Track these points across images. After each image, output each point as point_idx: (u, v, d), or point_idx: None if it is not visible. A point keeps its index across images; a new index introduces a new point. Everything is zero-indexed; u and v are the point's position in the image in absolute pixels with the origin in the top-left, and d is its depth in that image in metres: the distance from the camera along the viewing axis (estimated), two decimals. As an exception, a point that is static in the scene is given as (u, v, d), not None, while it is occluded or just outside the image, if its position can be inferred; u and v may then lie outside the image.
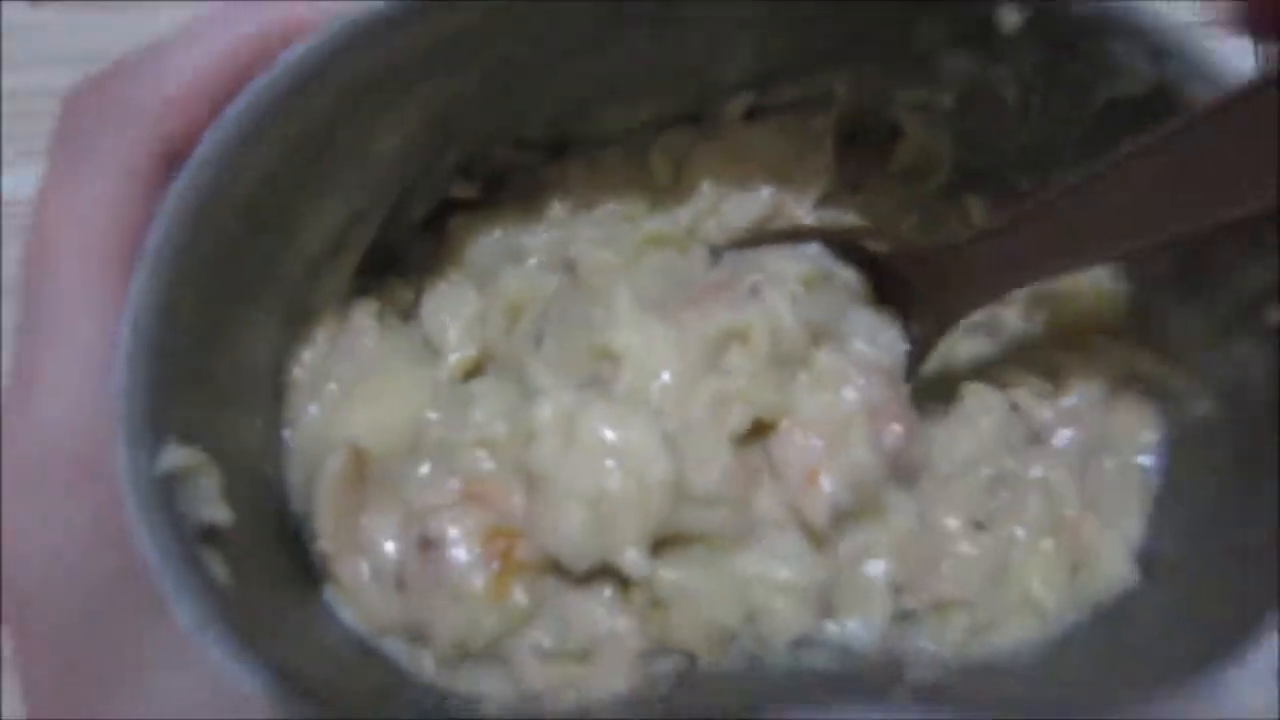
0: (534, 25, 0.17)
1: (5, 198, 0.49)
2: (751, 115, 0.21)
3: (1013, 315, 0.21)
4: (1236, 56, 0.43)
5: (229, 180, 0.16)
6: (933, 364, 0.21)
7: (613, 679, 0.17)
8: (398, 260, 0.21)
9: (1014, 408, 0.21)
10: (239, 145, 0.15)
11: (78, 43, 0.49)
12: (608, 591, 0.18)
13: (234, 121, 0.15)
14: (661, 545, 0.18)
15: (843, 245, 0.21)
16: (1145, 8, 0.16)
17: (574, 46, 0.18)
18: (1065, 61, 0.17)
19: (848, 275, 0.21)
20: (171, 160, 0.16)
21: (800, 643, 0.18)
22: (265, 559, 0.18)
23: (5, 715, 0.42)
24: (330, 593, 0.18)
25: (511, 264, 0.21)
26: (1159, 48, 0.16)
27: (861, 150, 0.22)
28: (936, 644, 0.19)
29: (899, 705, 0.16)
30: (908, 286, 0.20)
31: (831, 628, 0.18)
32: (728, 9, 0.17)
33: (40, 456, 0.15)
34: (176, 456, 0.15)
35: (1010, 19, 0.17)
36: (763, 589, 0.18)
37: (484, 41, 0.17)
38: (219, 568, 0.16)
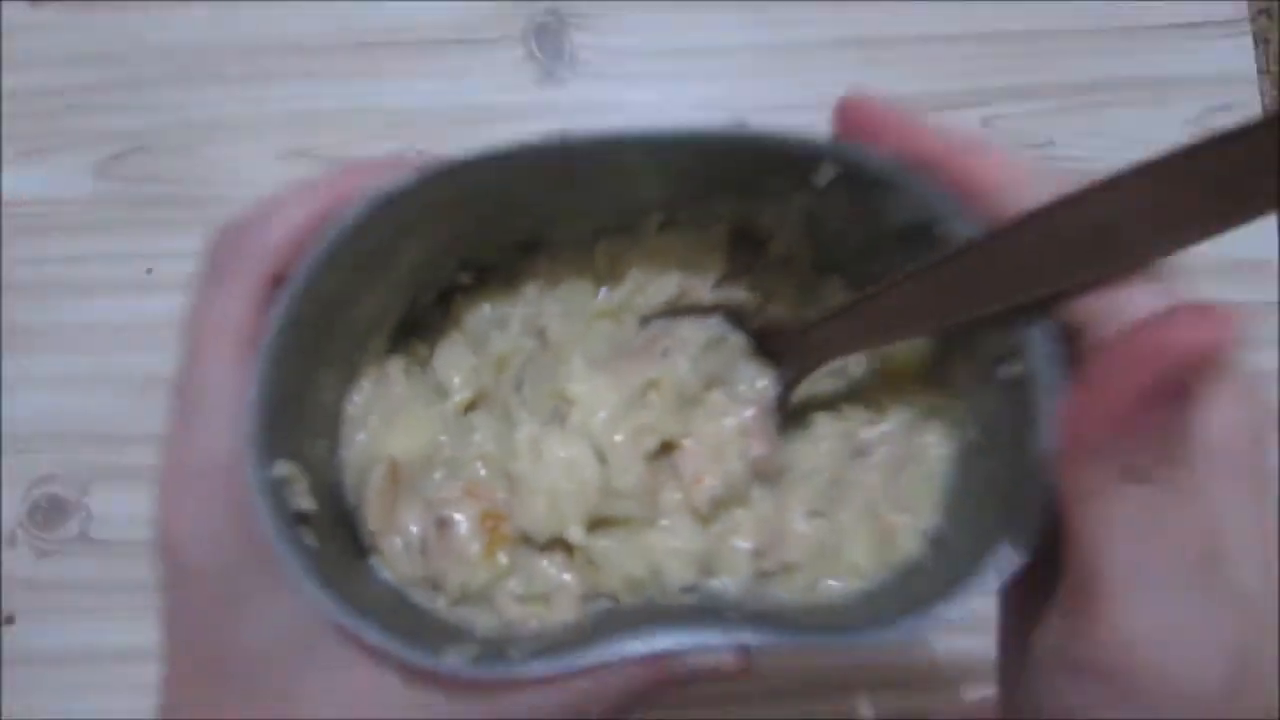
0: (511, 189, 0.25)
1: (5, 198, 0.50)
2: (664, 226, 0.29)
3: (852, 364, 0.29)
4: (1236, 55, 0.49)
5: (311, 293, 0.23)
6: (795, 399, 0.29)
7: (562, 613, 0.26)
8: (418, 327, 0.29)
9: (847, 432, 0.29)
10: (318, 271, 0.23)
11: (78, 43, 0.52)
12: (559, 556, 0.27)
13: (314, 256, 0.23)
14: (595, 525, 0.27)
15: (734, 316, 0.29)
16: (914, 174, 0.23)
17: (540, 197, 0.26)
18: (866, 201, 0.24)
19: (737, 338, 0.29)
20: (276, 282, 0.24)
21: (687, 590, 0.27)
22: (334, 535, 0.25)
23: (5, 715, 0.45)
24: (375, 560, 0.26)
25: (498, 330, 0.29)
26: (924, 198, 0.23)
27: (747, 244, 0.29)
28: (787, 594, 0.27)
29: (738, 626, 0.24)
30: (778, 347, 0.28)
31: (711, 582, 0.27)
32: (639, 170, 0.25)
33: (199, 467, 0.24)
34: (281, 469, 0.23)
35: (824, 176, 0.24)
36: (663, 553, 0.27)
37: (475, 198, 0.25)
38: (309, 539, 0.23)
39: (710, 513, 0.27)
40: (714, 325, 0.29)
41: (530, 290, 0.29)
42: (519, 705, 0.23)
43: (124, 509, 0.47)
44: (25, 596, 0.47)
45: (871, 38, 0.51)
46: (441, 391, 0.28)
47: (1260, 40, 0.52)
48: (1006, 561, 0.22)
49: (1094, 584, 0.18)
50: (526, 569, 0.27)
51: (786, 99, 0.51)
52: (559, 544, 0.27)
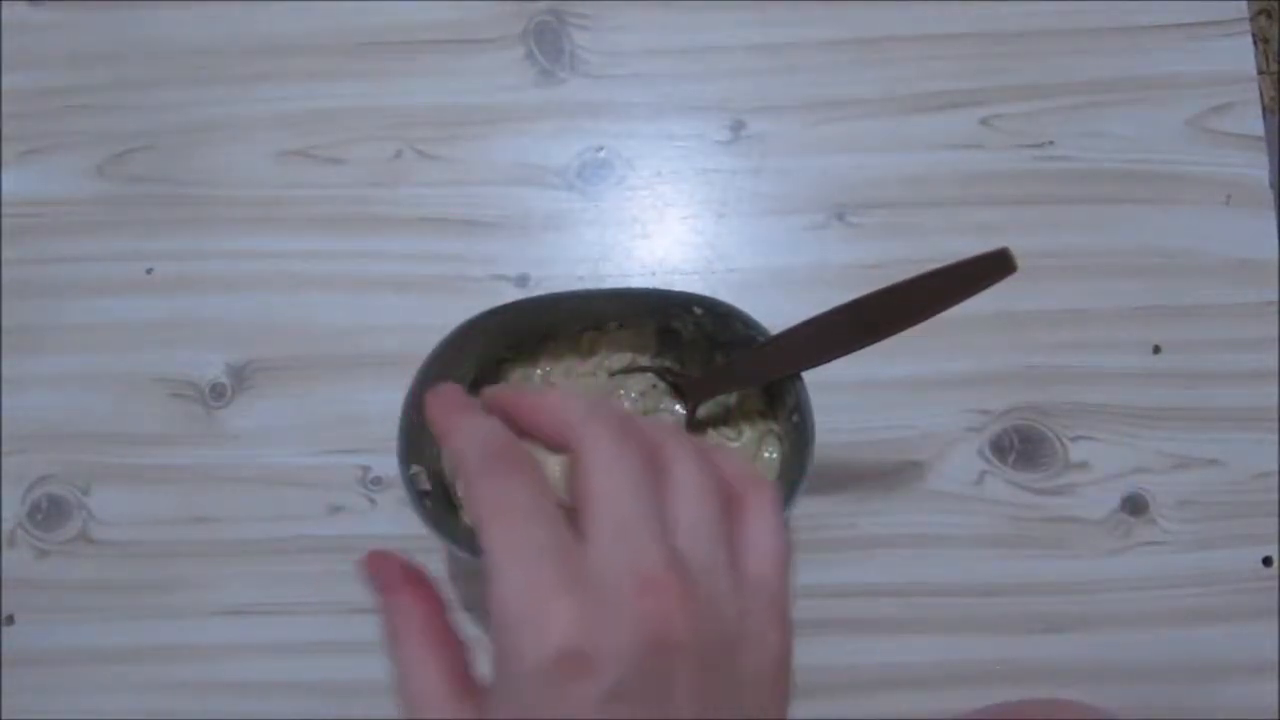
0: (530, 314, 0.42)
1: (5, 198, 0.50)
2: (620, 327, 0.45)
3: (731, 399, 0.44)
4: (1236, 55, 0.50)
5: (427, 373, 0.40)
6: (696, 420, 0.44)
7: None
8: (483, 381, 0.44)
9: (722, 442, 0.43)
10: (430, 365, 0.40)
11: (78, 43, 0.52)
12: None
13: (427, 360, 0.40)
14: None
15: (662, 374, 0.44)
16: (739, 310, 0.40)
17: (548, 316, 0.44)
18: (722, 321, 0.41)
19: (664, 386, 0.44)
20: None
21: None
22: (441, 501, 0.42)
23: (5, 715, 0.45)
24: (461, 514, 0.42)
25: (527, 383, 0.44)
26: (746, 322, 0.40)
27: (670, 335, 0.45)
28: None
29: None
30: (686, 390, 0.44)
31: None
32: (604, 303, 0.43)
33: None
34: (416, 469, 0.40)
35: (698, 309, 0.41)
36: None
37: (511, 320, 0.41)
38: (429, 504, 0.40)
39: None
40: (650, 379, 0.45)
41: (545, 360, 0.45)
42: None
43: (124, 509, 0.47)
44: (25, 596, 0.47)
45: (871, 38, 0.51)
46: None
47: (1260, 40, 0.52)
48: (791, 499, 0.39)
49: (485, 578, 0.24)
50: None
51: (785, 99, 0.51)
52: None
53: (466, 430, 0.26)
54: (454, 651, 0.26)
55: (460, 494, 0.44)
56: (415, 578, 0.28)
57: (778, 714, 0.24)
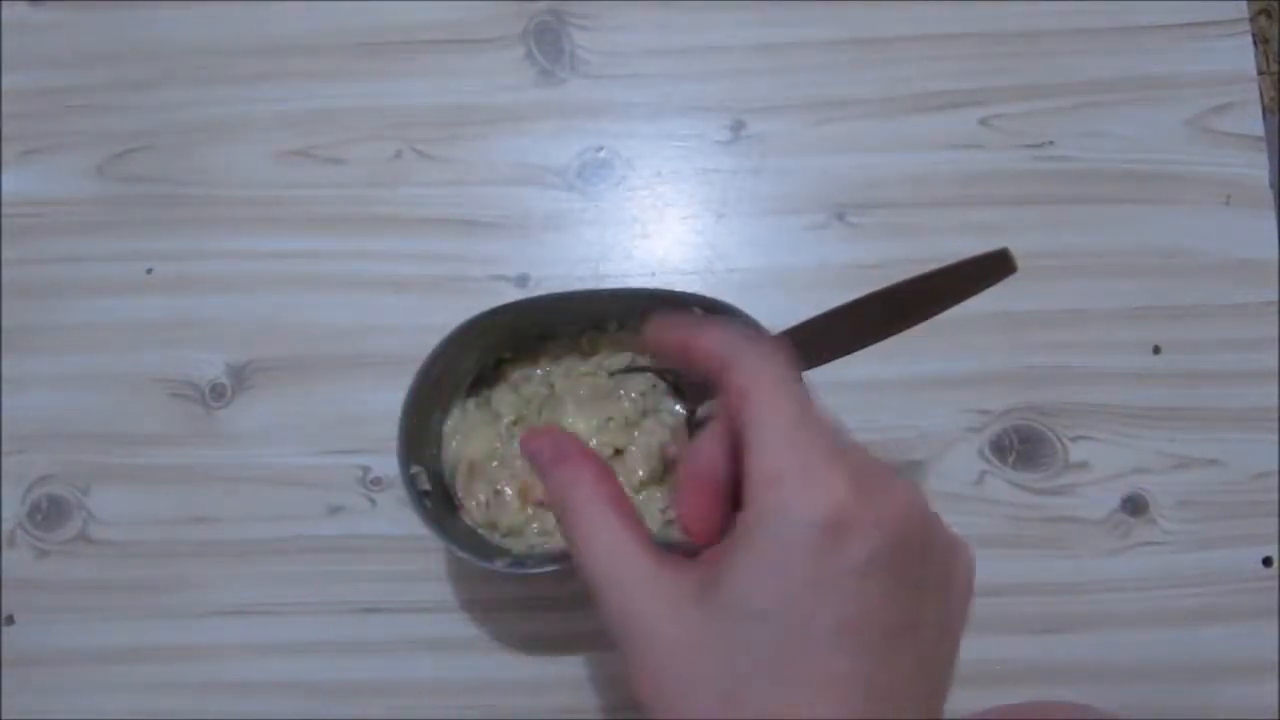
0: (531, 315, 0.43)
1: (5, 198, 0.50)
2: (619, 327, 0.45)
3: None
4: (1236, 55, 0.51)
5: (426, 374, 0.41)
6: (695, 420, 0.43)
7: (558, 543, 0.41)
8: (483, 381, 0.45)
9: None
10: (428, 365, 0.41)
11: (78, 43, 0.52)
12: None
13: (426, 359, 0.41)
14: None
15: (662, 374, 0.44)
16: (737, 309, 0.41)
17: (548, 316, 0.44)
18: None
19: (664, 386, 0.44)
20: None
21: None
22: (441, 501, 0.42)
23: (5, 715, 0.45)
24: (462, 513, 0.43)
25: (526, 383, 0.45)
26: (747, 321, 0.41)
27: None
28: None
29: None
30: (686, 389, 0.43)
31: None
32: (604, 303, 0.44)
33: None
34: (416, 470, 0.41)
35: (696, 308, 0.41)
36: None
37: (513, 320, 0.42)
38: (429, 503, 0.41)
39: (640, 488, 0.42)
40: (650, 379, 0.44)
41: (545, 361, 0.46)
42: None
43: (124, 509, 0.47)
44: (25, 596, 0.47)
45: (870, 38, 0.51)
46: (497, 417, 0.44)
47: (1260, 40, 0.52)
48: None
49: (744, 450, 0.25)
50: (541, 518, 0.43)
51: (784, 98, 0.51)
52: None
53: (721, 328, 0.28)
54: (632, 512, 0.27)
55: (461, 489, 0.44)
56: (578, 447, 0.29)
57: (963, 627, 0.27)
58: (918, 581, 0.25)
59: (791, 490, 0.24)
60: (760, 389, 0.25)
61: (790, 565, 0.23)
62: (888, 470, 0.26)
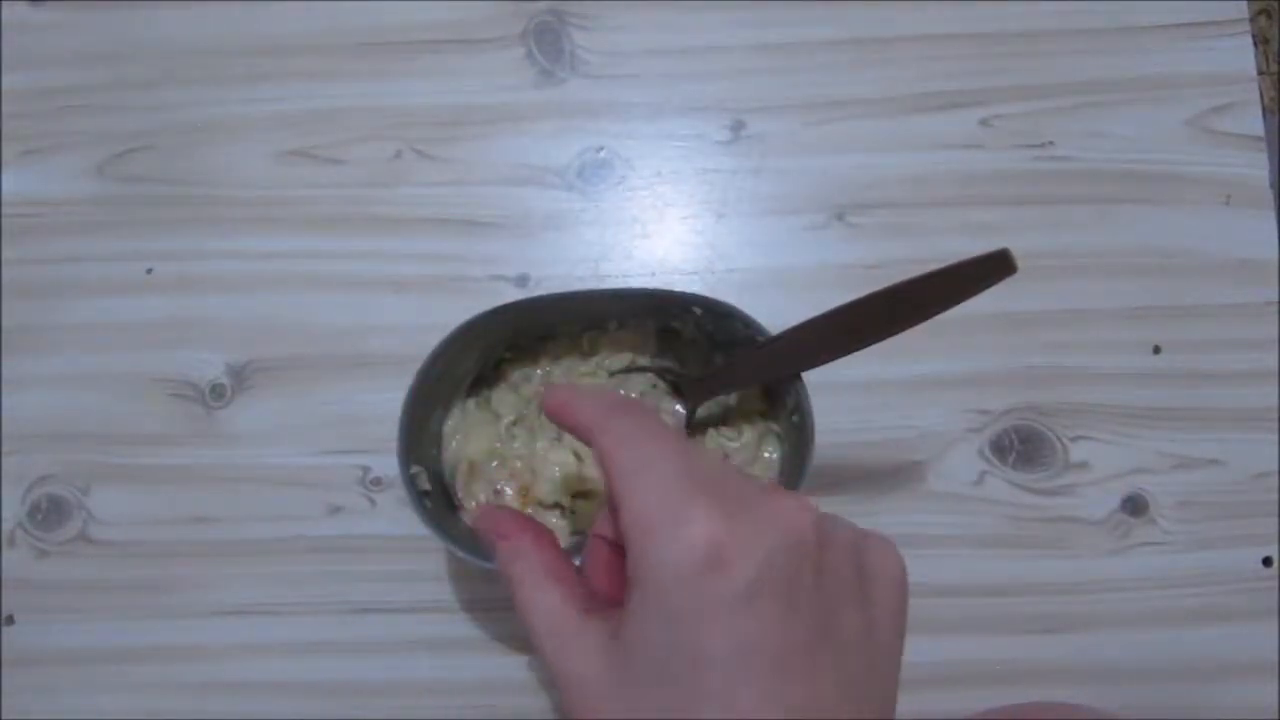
0: (531, 314, 0.42)
1: (5, 198, 0.50)
2: (619, 327, 0.45)
3: (731, 399, 0.44)
4: (1236, 55, 0.51)
5: (426, 374, 0.40)
6: (695, 421, 0.44)
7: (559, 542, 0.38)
8: (483, 381, 0.45)
9: (722, 443, 0.44)
10: (429, 365, 0.40)
11: (78, 43, 0.52)
12: (558, 511, 0.43)
13: (426, 359, 0.40)
14: (576, 495, 0.43)
15: (662, 374, 0.44)
16: (739, 310, 0.40)
17: (549, 316, 0.44)
18: (721, 321, 0.41)
19: (664, 386, 0.44)
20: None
21: None
22: (441, 501, 0.42)
23: (5, 715, 0.45)
24: (461, 513, 0.43)
25: (527, 383, 0.45)
26: (746, 322, 0.40)
27: (669, 334, 0.45)
28: None
29: None
30: (686, 390, 0.44)
31: None
32: (605, 303, 0.44)
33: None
34: (416, 469, 0.40)
35: (697, 309, 0.41)
36: None
37: (513, 320, 0.41)
38: (429, 503, 0.40)
39: None
40: (650, 379, 0.45)
41: (545, 361, 0.46)
42: None
43: (124, 509, 0.47)
44: (25, 596, 0.47)
45: (869, 38, 0.51)
46: (497, 417, 0.44)
47: (1260, 40, 0.52)
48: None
49: (617, 510, 0.26)
50: (541, 518, 0.43)
51: (784, 98, 0.51)
52: (558, 505, 0.43)
53: (592, 398, 0.29)
54: (572, 580, 0.29)
55: (461, 489, 0.44)
56: (526, 523, 0.31)
57: (897, 632, 0.26)
58: (817, 594, 0.25)
59: (662, 535, 0.24)
60: (620, 450, 0.26)
61: (672, 606, 0.24)
62: (766, 491, 0.27)
